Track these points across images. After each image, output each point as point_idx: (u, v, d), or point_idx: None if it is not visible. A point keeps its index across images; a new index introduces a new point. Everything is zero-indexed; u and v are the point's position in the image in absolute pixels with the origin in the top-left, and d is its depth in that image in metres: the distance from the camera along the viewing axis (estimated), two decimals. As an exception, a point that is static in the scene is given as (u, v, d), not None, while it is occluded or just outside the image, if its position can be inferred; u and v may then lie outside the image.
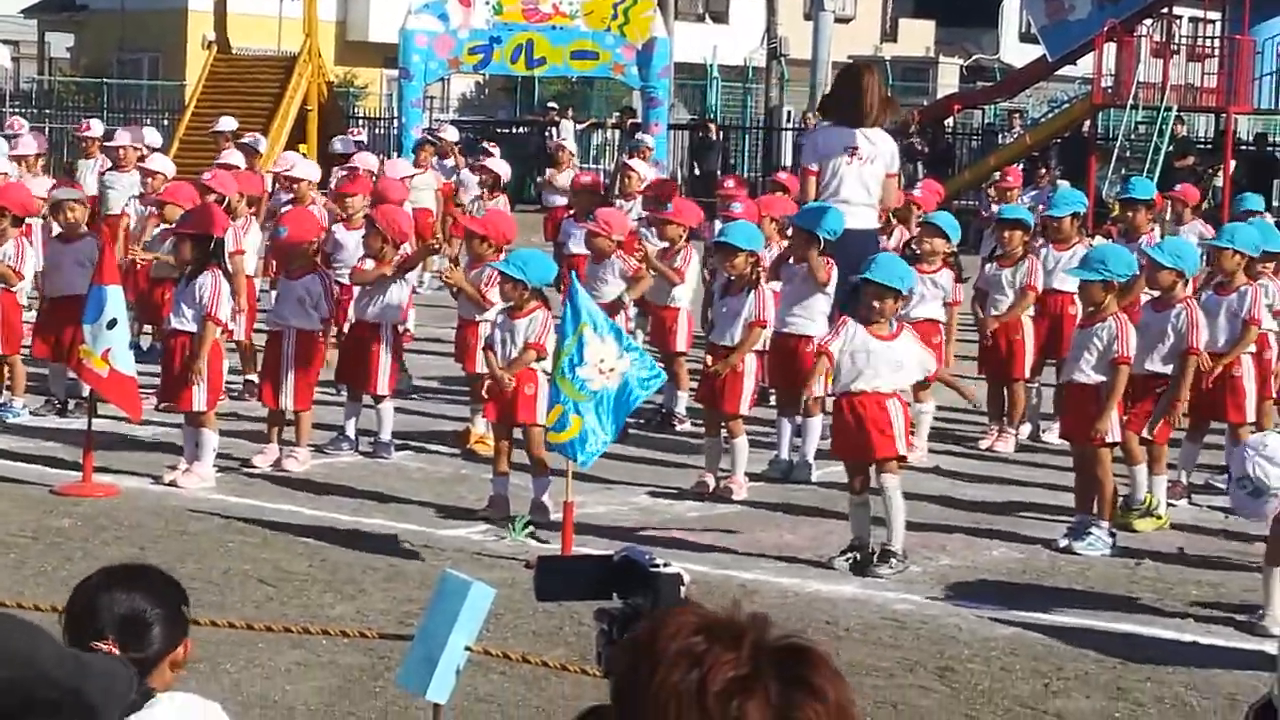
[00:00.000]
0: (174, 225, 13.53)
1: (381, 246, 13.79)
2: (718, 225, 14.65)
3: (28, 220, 15.18)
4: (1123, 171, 35.35)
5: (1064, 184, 28.47)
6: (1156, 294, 12.18)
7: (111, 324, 12.12)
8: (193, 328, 12.66)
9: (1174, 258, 11.93)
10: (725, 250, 12.76)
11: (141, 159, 18.65)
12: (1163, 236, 15.97)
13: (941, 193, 18.92)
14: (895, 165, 13.75)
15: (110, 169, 19.58)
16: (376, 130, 43.24)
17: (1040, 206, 17.49)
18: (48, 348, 14.69)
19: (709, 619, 2.56)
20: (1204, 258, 14.00)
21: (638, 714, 2.53)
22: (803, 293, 13.11)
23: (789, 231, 13.87)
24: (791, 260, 13.30)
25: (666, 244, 15.16)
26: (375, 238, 13.86)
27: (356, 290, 14.04)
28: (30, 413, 14.84)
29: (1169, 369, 11.89)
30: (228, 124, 24.50)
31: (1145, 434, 11.81)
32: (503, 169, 22.68)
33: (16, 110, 40.79)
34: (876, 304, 10.84)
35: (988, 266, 14.79)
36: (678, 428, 15.01)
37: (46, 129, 36.42)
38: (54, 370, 14.86)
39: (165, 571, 4.62)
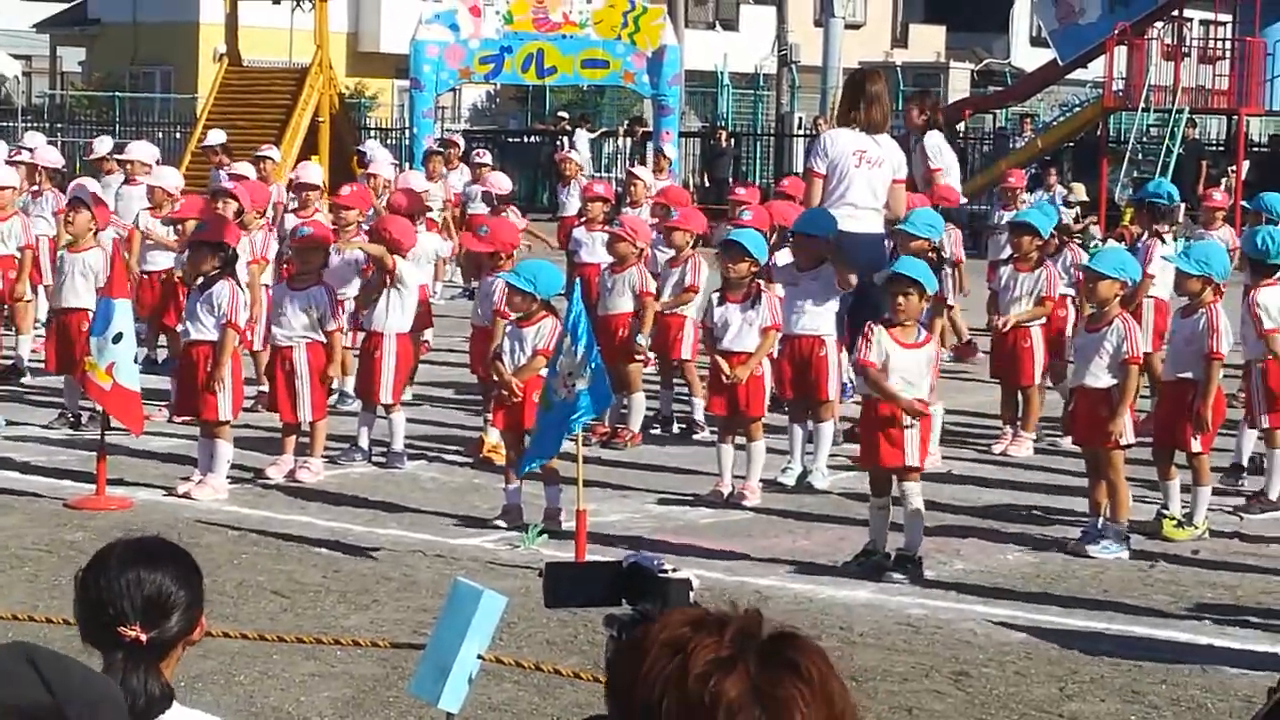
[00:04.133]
0: (191, 234, 13.54)
1: (380, 256, 13.87)
2: (728, 230, 14.63)
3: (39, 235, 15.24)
4: (1134, 174, 35.34)
5: (1079, 186, 28.58)
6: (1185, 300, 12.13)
7: (117, 338, 12.12)
8: (212, 336, 12.66)
9: (1200, 265, 11.89)
10: (731, 250, 12.74)
11: (147, 171, 18.72)
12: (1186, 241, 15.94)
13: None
14: (903, 171, 13.78)
15: (123, 183, 19.60)
16: (388, 141, 43.28)
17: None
18: (58, 360, 14.70)
19: (700, 614, 2.58)
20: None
21: (626, 705, 2.55)
22: (810, 296, 13.11)
23: (789, 238, 13.89)
24: (798, 267, 13.32)
25: (673, 251, 15.16)
26: (375, 248, 13.98)
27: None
28: (43, 426, 14.86)
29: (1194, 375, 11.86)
30: (217, 137, 24.52)
31: (1194, 450, 11.75)
32: (502, 182, 22.59)
33: (29, 125, 40.84)
34: (902, 300, 10.81)
35: (1003, 270, 14.80)
36: (698, 436, 14.95)
37: (59, 143, 36.44)
38: (68, 383, 14.88)
39: (181, 547, 4.43)
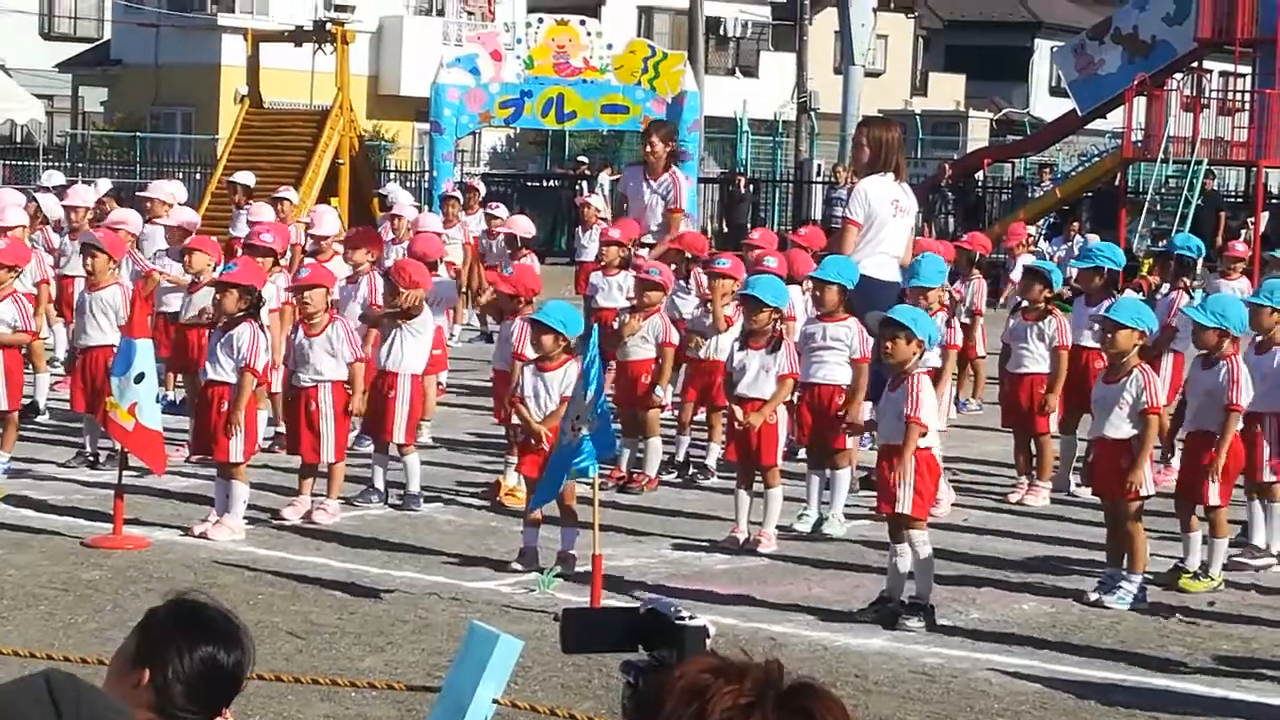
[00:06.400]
0: (220, 274, 13.54)
1: (396, 298, 13.90)
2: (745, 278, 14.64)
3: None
4: (1153, 225, 35.37)
5: (1094, 237, 28.63)
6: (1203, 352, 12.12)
7: (139, 378, 12.14)
8: (230, 379, 12.70)
9: (1216, 317, 11.90)
10: (750, 304, 12.75)
11: (168, 210, 18.77)
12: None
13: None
14: (917, 220, 13.98)
15: (145, 222, 19.63)
16: (408, 184, 43.40)
17: (1057, 259, 17.55)
18: (85, 399, 14.72)
19: (720, 661, 2.60)
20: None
21: None
22: (830, 345, 13.11)
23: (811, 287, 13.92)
24: (819, 315, 13.35)
25: (694, 297, 15.13)
26: (391, 291, 14.00)
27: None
28: (61, 465, 14.90)
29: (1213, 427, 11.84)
30: (245, 178, 24.60)
31: (1214, 502, 11.73)
32: (525, 226, 22.54)
33: (51, 164, 41.00)
34: (889, 345, 10.89)
35: (1011, 320, 14.84)
36: (705, 481, 14.97)
37: (79, 183, 36.57)
38: (88, 422, 14.91)
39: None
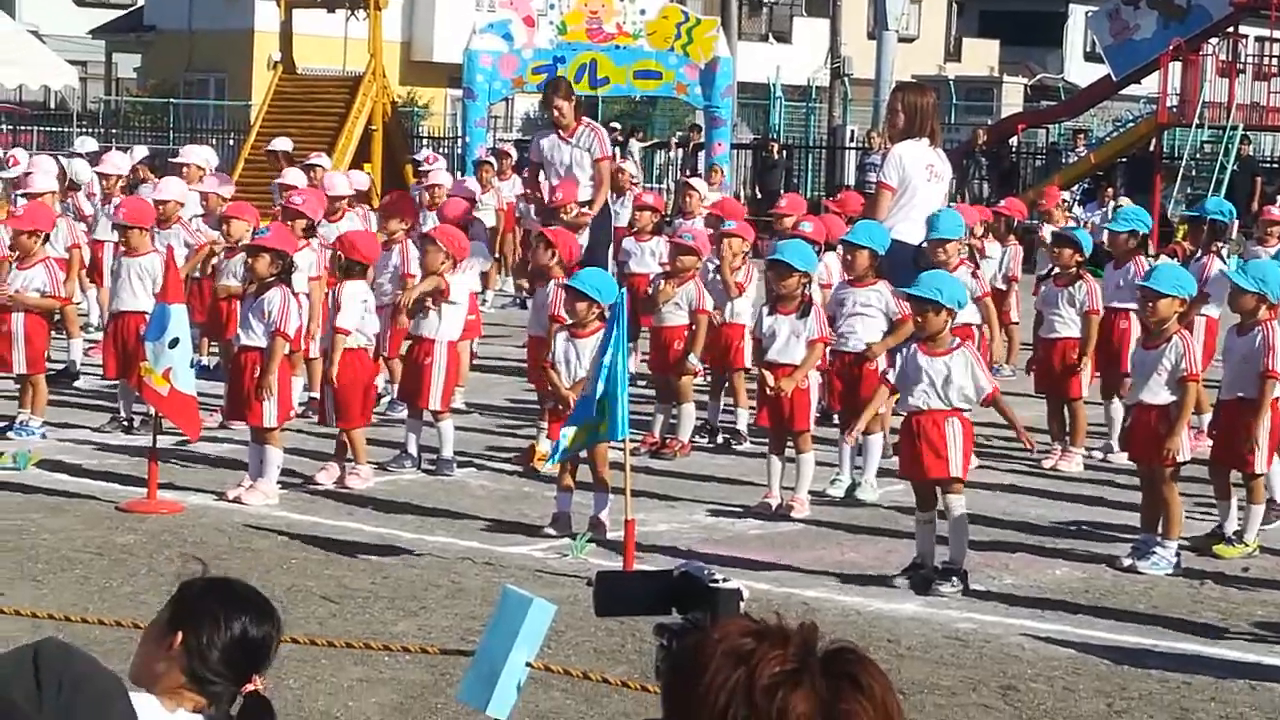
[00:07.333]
0: (252, 239, 13.51)
1: (441, 263, 13.87)
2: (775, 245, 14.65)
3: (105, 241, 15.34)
4: (1188, 191, 35.23)
5: (1125, 201, 28.53)
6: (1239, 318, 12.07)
7: (174, 343, 12.17)
8: (262, 343, 12.73)
9: (1256, 281, 11.83)
10: (778, 268, 12.74)
11: (202, 176, 18.80)
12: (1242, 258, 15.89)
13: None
14: (951, 186, 13.98)
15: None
16: (440, 150, 43.37)
17: (1091, 225, 17.46)
18: (117, 365, 14.77)
19: (756, 624, 2.60)
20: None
21: (685, 714, 2.56)
22: (861, 310, 13.09)
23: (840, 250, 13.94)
24: (850, 280, 13.33)
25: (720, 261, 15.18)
26: (435, 254, 13.93)
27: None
28: (95, 429, 14.95)
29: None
30: (283, 144, 24.56)
31: (1259, 470, 11.68)
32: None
33: (84, 131, 41.05)
34: (920, 319, 10.91)
35: (1043, 286, 14.81)
36: (739, 447, 14.99)
37: (113, 149, 36.60)
38: (122, 387, 14.95)
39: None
